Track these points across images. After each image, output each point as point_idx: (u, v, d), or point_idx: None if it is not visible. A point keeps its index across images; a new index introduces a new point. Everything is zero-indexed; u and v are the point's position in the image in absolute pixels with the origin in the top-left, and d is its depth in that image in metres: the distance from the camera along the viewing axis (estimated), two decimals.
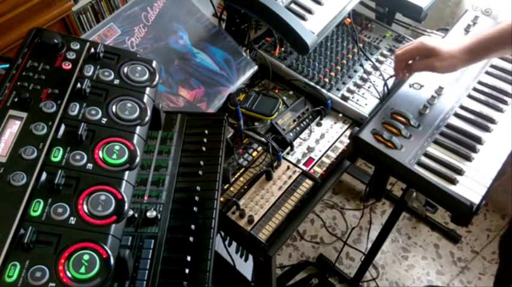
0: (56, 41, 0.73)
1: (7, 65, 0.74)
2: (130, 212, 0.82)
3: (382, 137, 1.00)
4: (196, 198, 0.88)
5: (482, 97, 1.12)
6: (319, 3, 1.20)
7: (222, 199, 1.02)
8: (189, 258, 0.80)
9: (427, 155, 1.01)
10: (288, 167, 1.09)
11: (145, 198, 0.87)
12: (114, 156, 0.65)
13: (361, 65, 1.29)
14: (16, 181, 0.60)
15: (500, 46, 1.02)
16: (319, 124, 1.20)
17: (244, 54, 1.23)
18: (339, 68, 1.27)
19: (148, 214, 0.83)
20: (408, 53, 1.05)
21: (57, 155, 0.64)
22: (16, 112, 0.66)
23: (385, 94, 1.22)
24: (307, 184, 1.06)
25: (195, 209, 0.86)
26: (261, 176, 1.07)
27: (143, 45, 1.11)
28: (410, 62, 1.07)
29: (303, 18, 1.16)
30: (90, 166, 0.64)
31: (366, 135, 1.01)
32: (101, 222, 0.60)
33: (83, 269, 0.56)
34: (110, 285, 0.57)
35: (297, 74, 1.25)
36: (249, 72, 1.23)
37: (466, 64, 1.04)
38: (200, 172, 0.91)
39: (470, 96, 1.13)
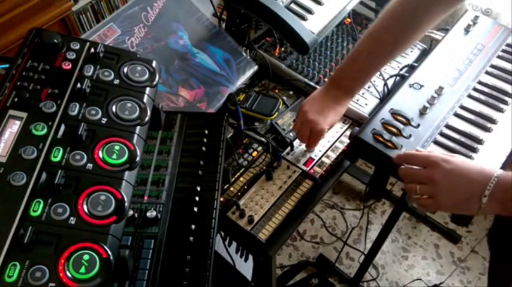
0: (56, 41, 0.73)
1: (7, 65, 0.74)
2: (131, 212, 0.82)
3: (382, 137, 1.00)
4: (196, 198, 0.88)
5: (482, 97, 1.12)
6: (319, 3, 1.20)
7: (222, 199, 1.02)
8: (189, 258, 0.80)
9: None
10: (288, 167, 1.09)
11: (145, 198, 0.87)
12: (114, 156, 0.65)
13: None
14: (16, 181, 0.60)
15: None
16: None
17: (244, 54, 1.23)
18: None
19: (148, 214, 0.83)
20: (303, 131, 1.05)
21: (57, 155, 0.64)
22: (16, 112, 0.66)
23: (385, 94, 1.22)
24: (307, 184, 1.06)
25: (195, 209, 0.86)
26: (261, 176, 1.07)
27: (143, 45, 1.11)
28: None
29: (303, 18, 1.16)
30: (90, 166, 0.64)
31: (366, 135, 1.01)
32: (100, 222, 0.60)
33: (83, 269, 0.56)
34: (110, 285, 0.57)
35: (297, 74, 1.25)
36: (249, 72, 1.23)
37: (334, 99, 1.03)
38: (200, 172, 0.91)
39: (470, 96, 1.12)
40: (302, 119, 1.04)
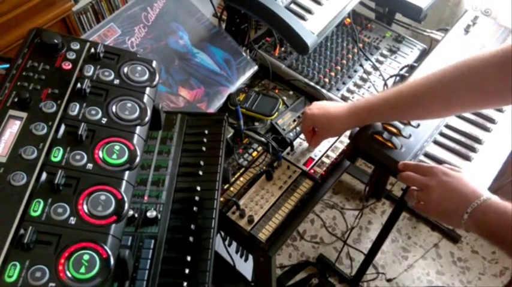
0: (56, 41, 0.73)
1: (7, 65, 0.74)
2: (131, 212, 0.82)
3: (382, 137, 1.00)
4: (196, 198, 0.88)
5: None
6: (319, 3, 1.20)
7: (222, 199, 1.02)
8: (189, 258, 0.80)
9: (427, 155, 1.01)
10: (288, 167, 1.09)
11: (145, 198, 0.87)
12: (114, 156, 0.65)
13: (361, 65, 1.29)
14: (16, 181, 0.60)
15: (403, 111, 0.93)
16: None
17: (244, 54, 1.23)
18: (338, 68, 1.27)
19: (148, 214, 0.83)
20: (305, 126, 1.07)
21: (57, 155, 0.64)
22: (16, 112, 0.66)
23: None
24: (307, 184, 1.06)
25: (195, 209, 0.86)
26: (261, 176, 1.07)
27: (143, 45, 1.11)
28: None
29: (303, 18, 1.16)
30: (90, 166, 0.64)
31: (366, 135, 1.01)
32: (100, 222, 0.60)
33: (83, 269, 0.56)
34: (110, 285, 0.57)
35: (297, 74, 1.25)
36: (249, 72, 1.23)
37: (354, 126, 1.02)
38: (200, 172, 0.91)
39: None
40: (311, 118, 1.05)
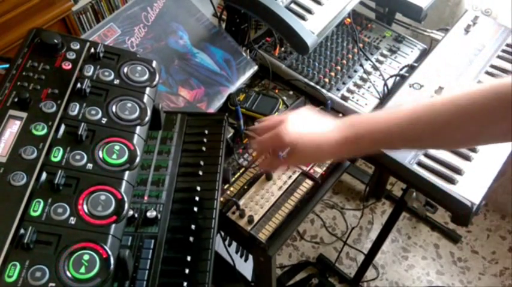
0: (56, 41, 0.73)
1: (7, 65, 0.74)
2: (131, 212, 0.82)
3: None
4: (196, 198, 0.88)
5: None
6: (319, 3, 1.20)
7: (222, 199, 1.02)
8: (189, 258, 0.80)
9: (427, 155, 1.01)
10: (288, 167, 1.09)
11: (145, 198, 0.87)
12: (114, 156, 0.65)
13: (361, 65, 1.29)
14: (16, 181, 0.60)
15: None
16: None
17: (244, 54, 1.23)
18: (339, 68, 1.27)
19: (148, 214, 0.83)
20: (264, 145, 0.81)
21: (57, 155, 0.64)
22: (16, 112, 0.66)
23: (385, 94, 1.22)
24: (307, 184, 1.06)
25: (195, 209, 0.86)
26: (261, 176, 1.07)
27: (143, 45, 1.11)
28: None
29: (303, 18, 1.16)
30: (90, 166, 0.64)
31: None
32: (101, 222, 0.60)
33: (83, 269, 0.56)
34: (110, 285, 0.57)
35: (297, 74, 1.25)
36: (249, 72, 1.23)
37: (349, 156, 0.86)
38: (200, 172, 0.91)
39: None
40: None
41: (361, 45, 1.33)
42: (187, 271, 0.78)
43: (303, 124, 0.77)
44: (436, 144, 0.75)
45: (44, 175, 0.62)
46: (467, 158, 1.01)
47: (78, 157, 0.64)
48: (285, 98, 1.22)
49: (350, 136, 0.71)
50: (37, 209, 0.59)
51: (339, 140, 0.72)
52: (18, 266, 0.55)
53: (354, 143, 0.71)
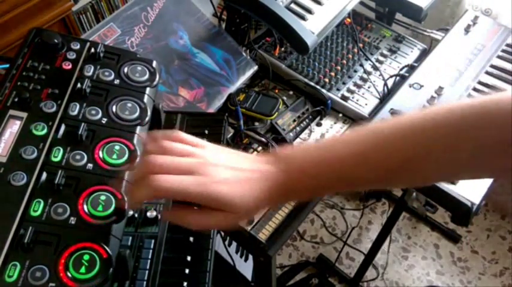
0: (56, 41, 0.73)
1: (7, 65, 0.74)
2: (131, 212, 0.82)
3: None
4: None
5: None
6: (319, 3, 1.20)
7: None
8: (189, 258, 0.80)
9: None
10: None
11: None
12: (115, 156, 0.65)
13: (361, 65, 1.29)
14: (16, 181, 0.60)
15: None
16: (319, 124, 1.20)
17: (244, 54, 1.23)
18: (339, 68, 1.27)
19: (148, 214, 0.83)
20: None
21: (57, 155, 0.64)
22: (16, 112, 0.66)
23: (385, 94, 1.22)
24: None
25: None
26: None
27: (143, 45, 1.11)
28: None
29: (303, 18, 1.16)
30: (90, 166, 0.64)
31: None
32: (101, 222, 0.60)
33: (83, 269, 0.56)
34: (110, 285, 0.57)
35: (297, 74, 1.25)
36: (249, 72, 1.23)
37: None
38: None
39: (470, 96, 1.13)
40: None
41: (361, 45, 1.33)
42: (187, 271, 0.78)
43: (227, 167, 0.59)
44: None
45: (44, 175, 0.62)
46: None
47: (78, 157, 0.64)
48: (285, 98, 1.22)
49: (286, 179, 0.55)
50: (37, 209, 0.59)
51: (273, 186, 0.56)
52: (19, 266, 0.55)
53: (291, 190, 0.56)
